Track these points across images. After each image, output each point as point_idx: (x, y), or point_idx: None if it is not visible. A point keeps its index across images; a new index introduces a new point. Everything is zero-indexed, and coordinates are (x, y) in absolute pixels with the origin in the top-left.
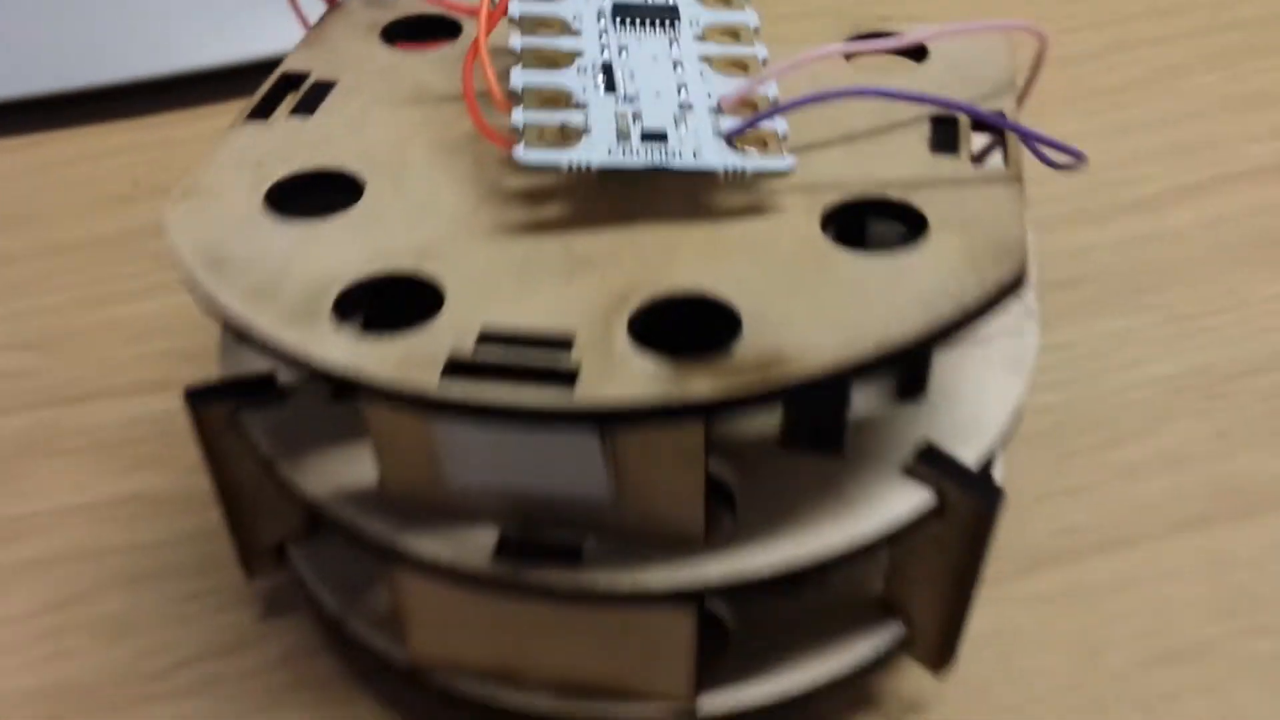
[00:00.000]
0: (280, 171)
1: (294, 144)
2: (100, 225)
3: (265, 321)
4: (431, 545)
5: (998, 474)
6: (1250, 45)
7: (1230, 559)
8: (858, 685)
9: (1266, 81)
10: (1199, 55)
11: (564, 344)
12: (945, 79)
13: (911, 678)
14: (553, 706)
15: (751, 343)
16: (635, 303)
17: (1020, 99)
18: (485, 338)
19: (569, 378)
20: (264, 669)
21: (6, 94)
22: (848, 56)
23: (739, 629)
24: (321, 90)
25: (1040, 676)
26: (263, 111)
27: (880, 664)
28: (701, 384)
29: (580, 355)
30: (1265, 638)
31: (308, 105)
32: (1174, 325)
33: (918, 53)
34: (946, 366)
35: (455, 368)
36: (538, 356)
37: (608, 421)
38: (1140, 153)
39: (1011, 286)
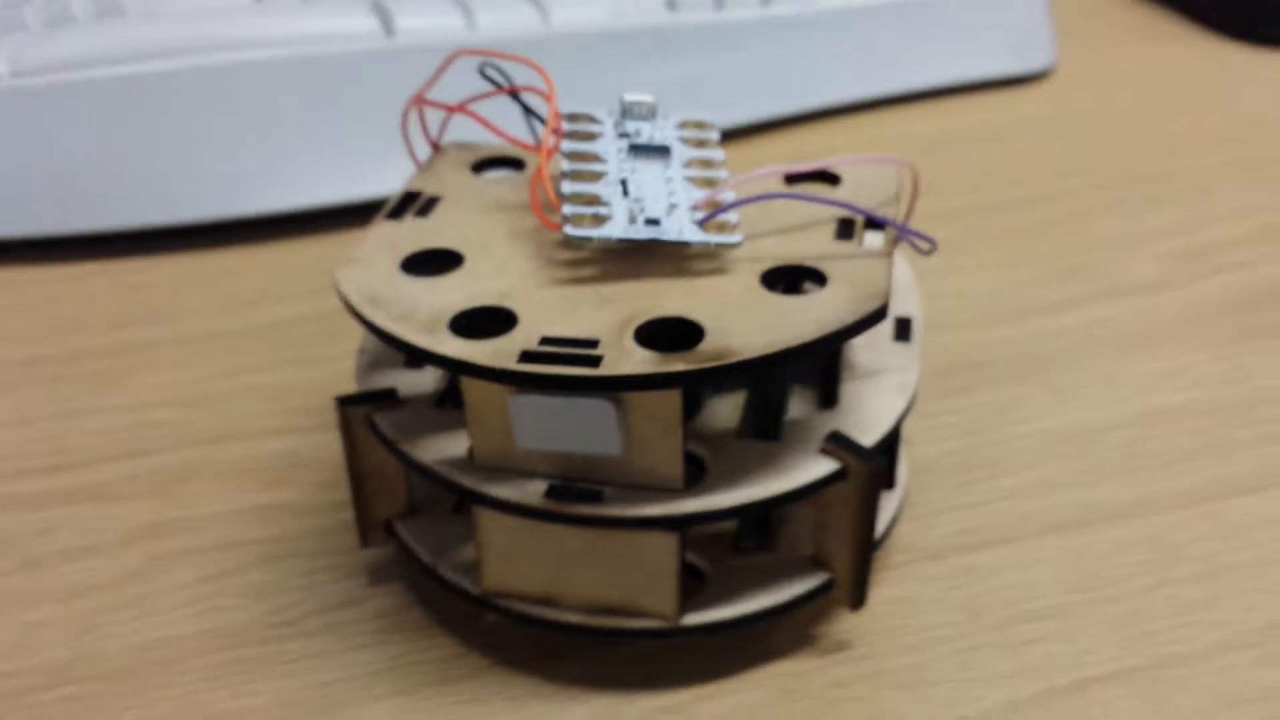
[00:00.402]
0: (409, 249)
1: (417, 233)
2: (233, 322)
3: (406, 332)
4: (503, 490)
5: (902, 485)
6: (1137, 193)
7: (1086, 552)
8: (798, 627)
9: (1155, 219)
10: (1100, 205)
11: (593, 344)
12: (851, 194)
13: (838, 624)
14: (581, 620)
15: (710, 343)
16: (639, 321)
17: (908, 211)
18: (544, 341)
19: (596, 361)
20: (369, 618)
21: (162, 221)
22: (787, 179)
23: (712, 576)
24: (432, 202)
25: (937, 628)
26: (396, 214)
27: (811, 599)
28: (678, 364)
29: (603, 350)
30: (1110, 604)
31: (424, 210)
32: (1056, 395)
33: (834, 179)
34: (853, 389)
35: (526, 356)
36: (577, 351)
37: (619, 387)
38: (1043, 275)
39: (877, 315)
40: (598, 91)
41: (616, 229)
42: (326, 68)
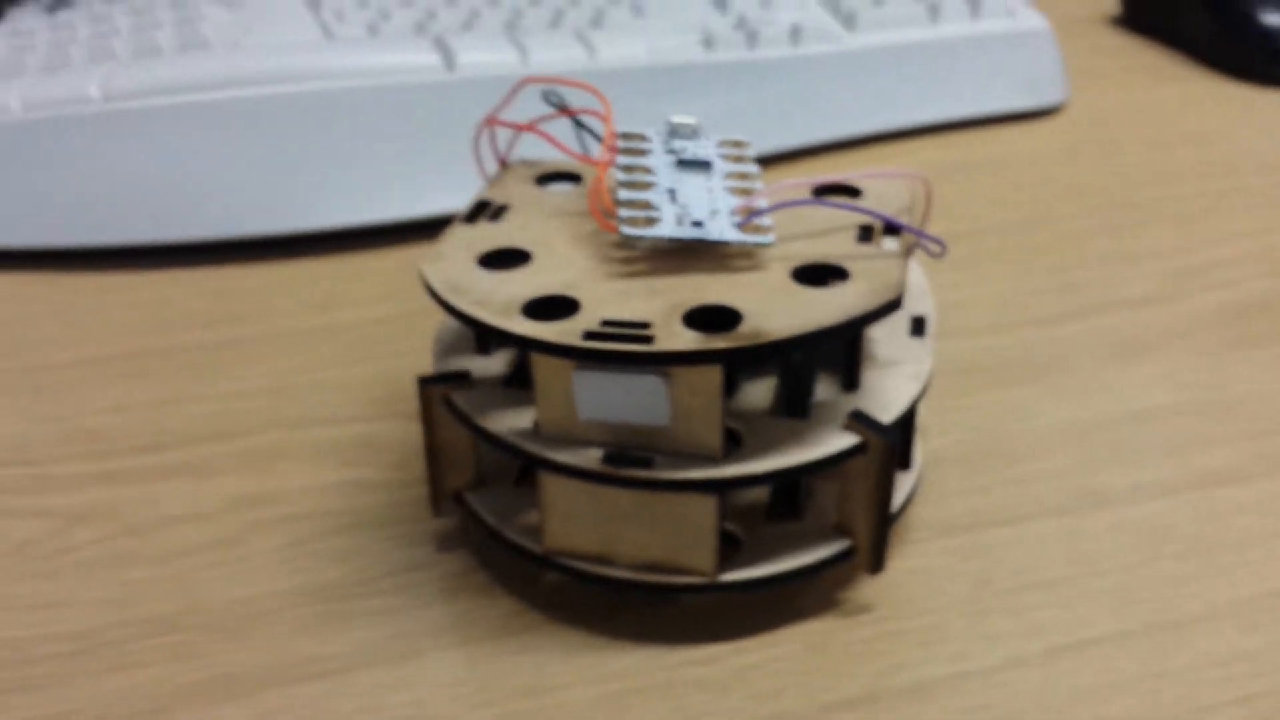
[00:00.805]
0: (484, 248)
1: (490, 235)
2: (308, 323)
3: (485, 315)
4: (564, 455)
5: (918, 468)
6: (1137, 217)
7: (1082, 532)
8: (823, 591)
9: (1151, 240)
10: (1098, 226)
11: (646, 325)
12: (870, 205)
13: (860, 590)
14: (632, 577)
15: (747, 326)
16: (685, 308)
17: (923, 217)
18: (605, 323)
19: (649, 340)
20: (438, 579)
21: (242, 233)
22: (816, 190)
23: (746, 541)
24: (502, 209)
25: (950, 594)
26: (471, 218)
27: (835, 563)
28: (720, 342)
29: (654, 331)
30: (1105, 577)
31: (495, 216)
32: (1057, 395)
33: (855, 191)
34: (873, 376)
35: (589, 335)
36: (632, 331)
37: (668, 362)
38: (1046, 289)
39: (892, 305)
40: (639, 122)
41: (666, 229)
42: (392, 98)
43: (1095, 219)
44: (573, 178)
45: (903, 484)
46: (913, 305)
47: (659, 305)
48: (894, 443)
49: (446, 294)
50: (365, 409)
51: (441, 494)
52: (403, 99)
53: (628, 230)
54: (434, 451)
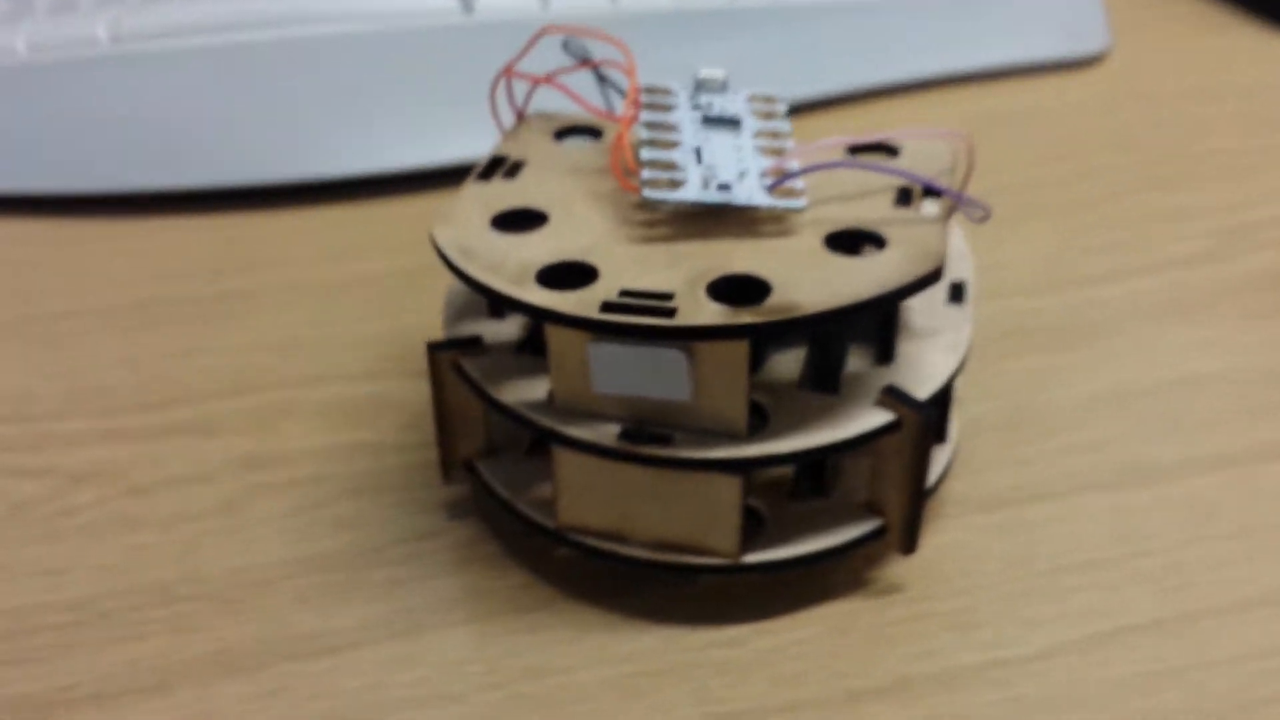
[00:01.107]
0: (498, 208)
1: (505, 193)
2: (322, 275)
3: (497, 282)
4: (579, 430)
5: (954, 441)
6: (1183, 172)
7: (1127, 509)
8: (852, 570)
9: (1198, 198)
10: (1145, 180)
11: (668, 297)
12: (909, 165)
13: (890, 568)
14: (649, 556)
15: (776, 298)
16: (710, 277)
17: (965, 178)
18: (624, 293)
19: (671, 313)
20: (447, 549)
21: (254, 179)
22: (851, 150)
23: (770, 520)
24: (518, 166)
25: (985, 575)
26: (485, 175)
27: (865, 543)
28: (746, 317)
29: (677, 303)
30: (1148, 558)
31: (511, 173)
32: (1100, 360)
33: (893, 150)
34: (908, 348)
35: (607, 307)
36: (653, 303)
37: (692, 337)
38: (1088, 248)
39: (933, 276)
40: (663, 69)
41: (691, 192)
42: (410, 42)
43: (1139, 174)
44: (593, 132)
45: (938, 458)
46: (952, 270)
47: (682, 273)
48: (930, 420)
49: (457, 258)
50: (378, 366)
51: (452, 461)
52: (420, 43)
53: (650, 193)
54: (444, 418)
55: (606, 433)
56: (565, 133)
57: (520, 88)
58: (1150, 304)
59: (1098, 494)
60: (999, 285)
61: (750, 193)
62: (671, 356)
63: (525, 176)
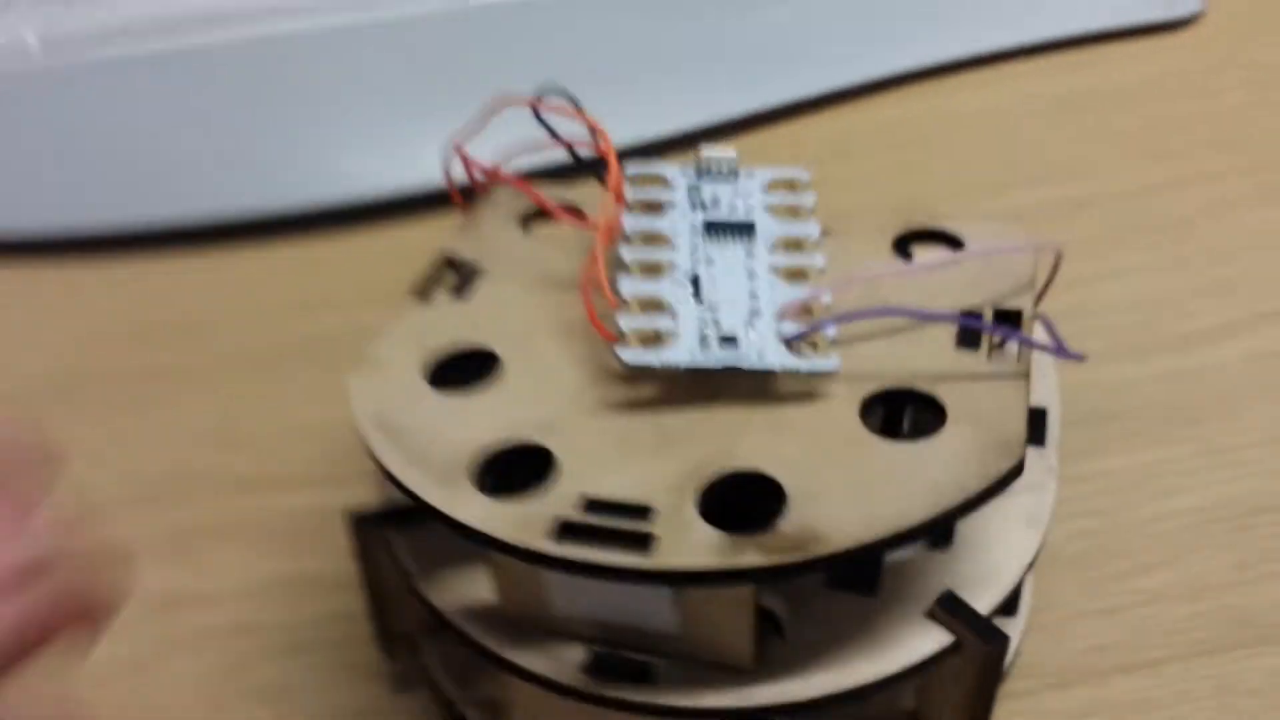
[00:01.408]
0: (439, 349)
1: (451, 322)
2: (273, 338)
3: (421, 482)
4: (535, 659)
5: (1030, 595)
6: None
7: (1238, 686)
8: None
9: None
10: (1255, 189)
11: (645, 512)
12: (978, 273)
13: None
14: None
15: (794, 519)
16: (707, 476)
17: (1038, 299)
18: (590, 505)
19: (646, 542)
20: None
21: (205, 217)
22: (899, 241)
23: None
24: (472, 276)
25: None
26: (427, 290)
27: None
28: (751, 557)
29: (658, 524)
30: None
31: (461, 286)
32: (1207, 458)
33: (955, 242)
34: (972, 520)
35: (565, 530)
36: (626, 524)
37: (675, 582)
38: (1190, 288)
39: (1009, 477)
40: (645, 41)
41: (683, 353)
42: (397, 35)
43: (1251, 178)
44: (577, 212)
45: (1011, 628)
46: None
47: (669, 468)
48: (1000, 648)
49: (376, 440)
50: (330, 465)
51: (391, 638)
52: (408, 35)
53: (630, 359)
54: (375, 593)
55: (570, 662)
56: (535, 217)
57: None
58: (1272, 373)
59: (1200, 662)
60: (1084, 343)
61: (763, 349)
62: (653, 590)
63: (479, 295)
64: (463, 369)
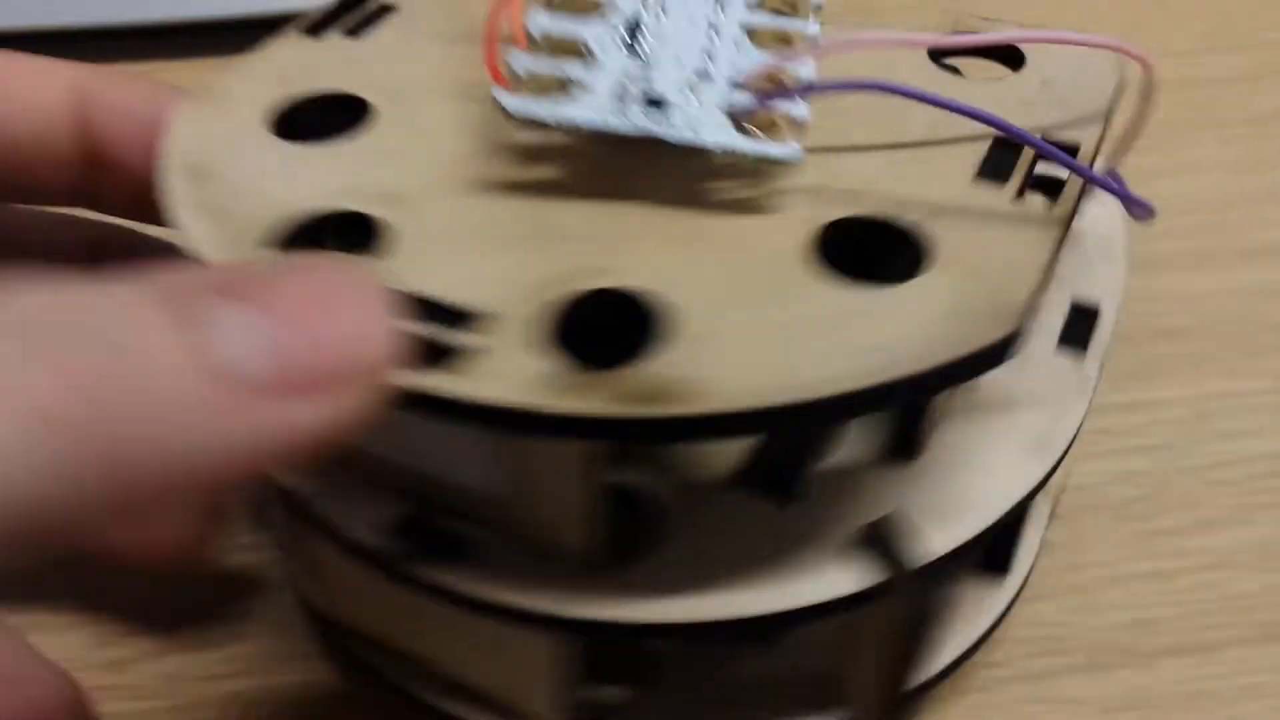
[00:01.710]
0: (301, 90)
1: (327, 63)
2: None
3: (201, 240)
4: (335, 512)
5: (1042, 551)
6: None
7: None
8: None
9: None
10: None
11: (472, 319)
12: (1034, 94)
13: None
14: (444, 705)
15: (672, 360)
16: (571, 290)
17: (1131, 136)
18: (403, 299)
19: (458, 360)
20: None
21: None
22: (934, 57)
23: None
24: (381, 12)
25: None
26: (319, 27)
27: None
28: (589, 402)
29: (486, 340)
30: None
31: (360, 28)
32: None
33: (1014, 59)
34: (954, 432)
35: None
36: (443, 333)
37: (484, 421)
38: (1271, 192)
39: (994, 355)
40: None
41: (588, 110)
42: None
43: None
44: None
45: (995, 597)
46: (1082, 278)
47: (530, 270)
48: (932, 598)
49: (173, 182)
50: None
51: None
52: None
53: (512, 105)
54: None
55: (370, 520)
56: None
57: None
58: None
59: (1274, 645)
60: (1140, 250)
61: (698, 118)
62: (469, 434)
63: (379, 35)
64: (326, 122)
